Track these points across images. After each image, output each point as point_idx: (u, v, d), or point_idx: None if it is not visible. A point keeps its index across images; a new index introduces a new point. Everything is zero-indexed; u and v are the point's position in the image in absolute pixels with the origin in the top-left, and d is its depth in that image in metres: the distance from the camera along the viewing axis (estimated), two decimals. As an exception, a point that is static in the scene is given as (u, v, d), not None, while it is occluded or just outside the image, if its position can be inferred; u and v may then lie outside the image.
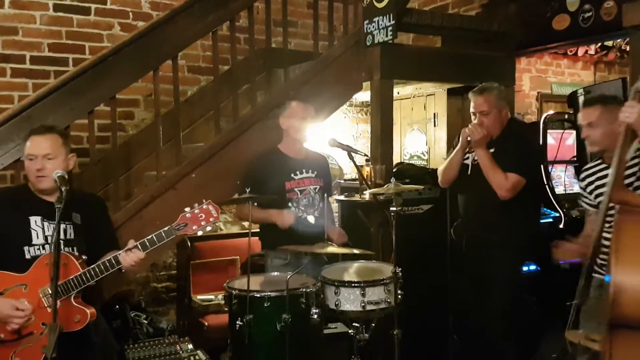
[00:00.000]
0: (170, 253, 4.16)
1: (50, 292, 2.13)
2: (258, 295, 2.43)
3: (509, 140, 2.97)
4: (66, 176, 2.21)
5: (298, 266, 2.64)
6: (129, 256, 2.18)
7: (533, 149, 3.33)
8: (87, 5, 3.90)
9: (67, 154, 2.35)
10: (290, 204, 2.90)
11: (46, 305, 2.17)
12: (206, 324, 3.75)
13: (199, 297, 3.96)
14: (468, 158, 3.05)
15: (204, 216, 2.21)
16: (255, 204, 2.91)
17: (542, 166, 4.10)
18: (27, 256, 2.24)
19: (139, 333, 3.65)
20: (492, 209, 2.91)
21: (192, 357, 3.00)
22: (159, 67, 3.06)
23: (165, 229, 2.20)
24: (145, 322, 3.75)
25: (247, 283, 2.44)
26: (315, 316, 2.45)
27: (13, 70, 3.69)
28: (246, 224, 3.35)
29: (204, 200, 2.24)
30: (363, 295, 2.46)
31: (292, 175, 2.95)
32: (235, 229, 4.41)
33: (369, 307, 2.47)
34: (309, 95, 3.28)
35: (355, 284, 2.50)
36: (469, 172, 3.02)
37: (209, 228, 2.24)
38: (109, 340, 2.51)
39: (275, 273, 2.79)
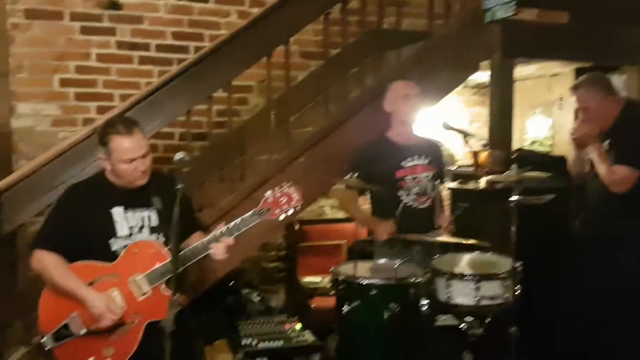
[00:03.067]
0: (279, 234, 4.27)
1: (138, 280, 2.13)
2: (365, 283, 2.40)
3: (621, 129, 2.76)
4: (187, 157, 2.06)
5: (406, 254, 2.56)
6: (219, 244, 2.13)
7: None
8: (206, -8, 4.04)
9: None
10: (401, 193, 2.81)
11: (136, 295, 2.14)
12: (313, 305, 3.81)
13: (306, 279, 4.03)
14: None
15: (285, 199, 2.11)
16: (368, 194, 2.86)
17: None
18: (113, 248, 2.19)
19: (250, 310, 3.80)
20: (616, 201, 2.73)
21: (300, 337, 3.07)
22: (272, 52, 3.10)
23: (249, 213, 2.13)
24: (257, 299, 3.89)
25: (353, 268, 2.41)
26: (425, 307, 2.37)
27: (140, 58, 3.92)
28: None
29: (284, 183, 2.14)
30: (477, 289, 2.33)
31: (403, 163, 2.83)
32: (341, 214, 4.41)
33: (483, 302, 2.33)
34: (421, 77, 3.13)
35: (469, 277, 2.37)
36: (591, 165, 2.85)
37: (291, 212, 2.13)
38: (193, 340, 2.47)
39: (382, 260, 2.72)
